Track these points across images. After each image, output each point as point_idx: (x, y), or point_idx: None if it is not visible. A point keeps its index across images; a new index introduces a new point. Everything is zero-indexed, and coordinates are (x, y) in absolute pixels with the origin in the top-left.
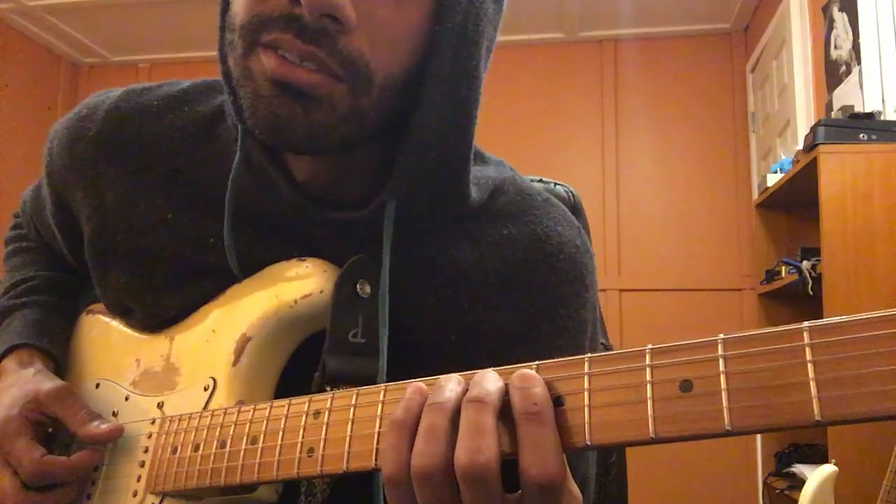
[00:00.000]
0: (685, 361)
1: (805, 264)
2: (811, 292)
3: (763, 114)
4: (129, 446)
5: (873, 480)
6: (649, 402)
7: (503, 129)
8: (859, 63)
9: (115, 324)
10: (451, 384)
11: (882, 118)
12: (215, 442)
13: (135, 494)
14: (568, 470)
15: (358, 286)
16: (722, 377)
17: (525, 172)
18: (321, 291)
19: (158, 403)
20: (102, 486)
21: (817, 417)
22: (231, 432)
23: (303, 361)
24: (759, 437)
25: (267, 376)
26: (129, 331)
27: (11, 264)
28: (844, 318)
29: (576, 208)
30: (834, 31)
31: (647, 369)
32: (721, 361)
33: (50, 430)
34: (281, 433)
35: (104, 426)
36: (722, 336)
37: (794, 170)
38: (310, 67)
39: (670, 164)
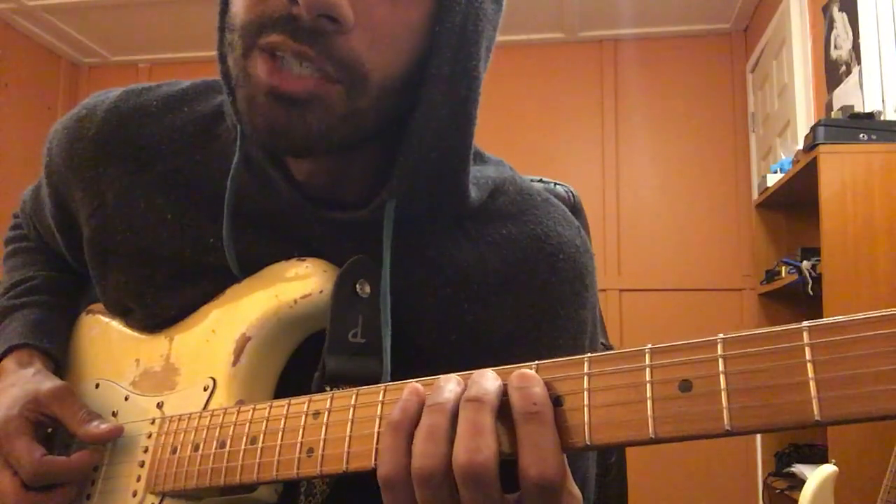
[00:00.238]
0: (685, 361)
1: (805, 264)
2: (811, 292)
3: (763, 114)
4: (129, 446)
5: (873, 480)
6: (649, 402)
7: (503, 129)
8: (859, 63)
9: (115, 324)
10: (450, 384)
11: (882, 118)
12: (215, 442)
13: (134, 494)
14: (568, 470)
15: (358, 286)
16: (721, 377)
17: (525, 172)
18: (321, 291)
19: (158, 403)
20: (102, 486)
21: (817, 417)
22: (231, 432)
23: (302, 361)
24: (759, 437)
25: (266, 376)
26: (128, 331)
27: (11, 264)
28: (843, 317)
29: (576, 208)
30: (834, 31)
31: (647, 369)
32: (720, 361)
33: (49, 430)
34: (280, 433)
35: (104, 426)
36: (721, 336)
37: (794, 170)
38: (302, 72)
39: (670, 163)
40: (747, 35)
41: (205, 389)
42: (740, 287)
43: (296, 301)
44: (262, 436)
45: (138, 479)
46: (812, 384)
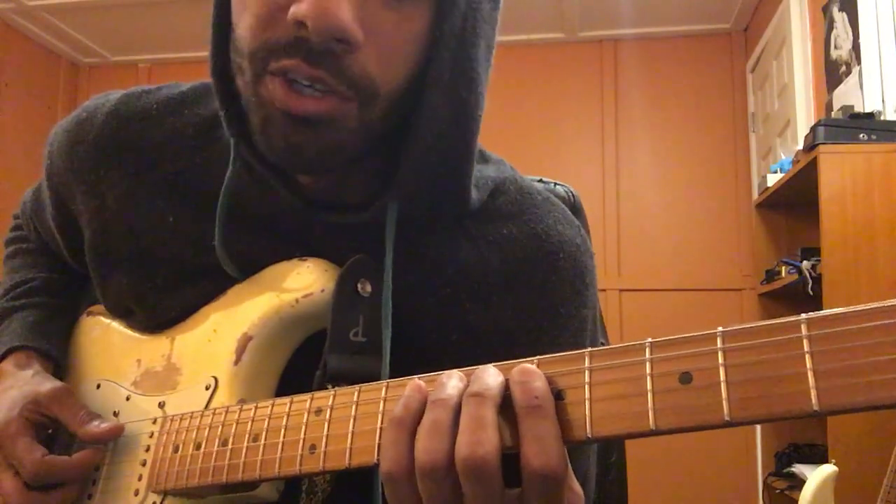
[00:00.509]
0: (685, 354)
1: (805, 264)
2: (811, 292)
3: (763, 114)
4: (131, 446)
5: (873, 480)
6: (649, 395)
7: (503, 129)
8: (859, 63)
9: (116, 325)
10: (452, 381)
11: (882, 118)
12: (217, 440)
13: (136, 493)
14: (569, 464)
15: (359, 285)
16: (721, 369)
17: (525, 172)
18: (322, 290)
19: (160, 403)
20: (104, 485)
21: (815, 407)
22: (233, 430)
23: (304, 360)
24: (759, 437)
25: (268, 375)
26: (129, 331)
27: (11, 265)
28: (841, 309)
29: (576, 208)
30: (834, 31)
31: (647, 363)
32: (720, 354)
33: (50, 431)
34: (283, 430)
35: (104, 426)
36: (721, 329)
37: (794, 170)
38: (316, 94)
39: (670, 164)
40: (747, 35)
41: (206, 388)
42: (740, 287)
43: (297, 300)
44: (264, 433)
45: (140, 478)
46: (810, 375)
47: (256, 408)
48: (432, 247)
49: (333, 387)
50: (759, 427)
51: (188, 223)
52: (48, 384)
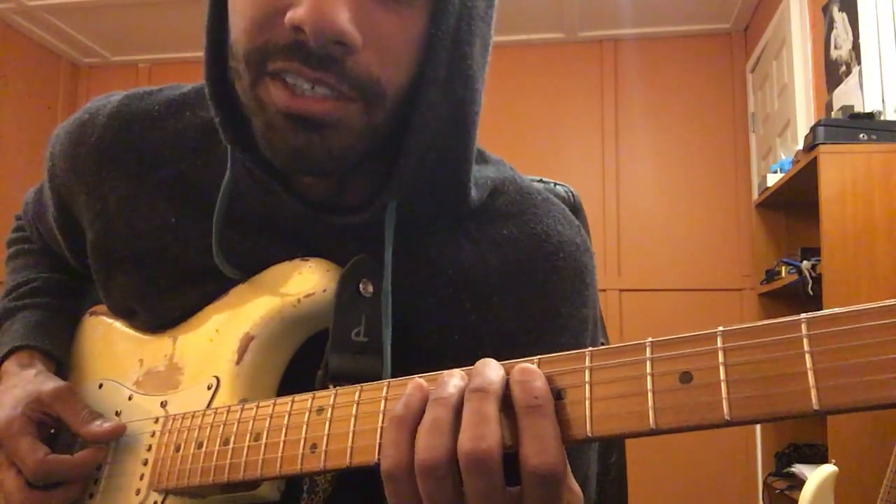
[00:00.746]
0: (685, 354)
1: (805, 264)
2: (811, 292)
3: (763, 114)
4: (133, 445)
5: (873, 480)
6: (650, 394)
7: (503, 129)
8: (859, 63)
9: (118, 325)
10: (454, 379)
11: (882, 118)
12: (218, 439)
13: (138, 492)
14: (568, 465)
15: (361, 285)
16: (721, 368)
17: (525, 172)
18: (324, 290)
19: (162, 402)
20: (105, 484)
21: (815, 407)
22: (234, 430)
23: (305, 360)
24: (759, 437)
25: (270, 375)
26: (132, 332)
27: (13, 266)
28: (841, 309)
29: (576, 208)
30: (834, 31)
31: (648, 362)
32: (720, 353)
33: (52, 430)
34: (284, 430)
35: (106, 425)
36: (721, 328)
37: (794, 170)
38: (320, 95)
39: (670, 164)
40: (747, 35)
41: (208, 388)
42: (740, 287)
43: (299, 300)
44: (265, 432)
45: (142, 478)
46: (810, 374)
47: (258, 407)
48: (433, 247)
49: (335, 386)
50: (758, 427)
51: (190, 224)
52: (51, 383)
